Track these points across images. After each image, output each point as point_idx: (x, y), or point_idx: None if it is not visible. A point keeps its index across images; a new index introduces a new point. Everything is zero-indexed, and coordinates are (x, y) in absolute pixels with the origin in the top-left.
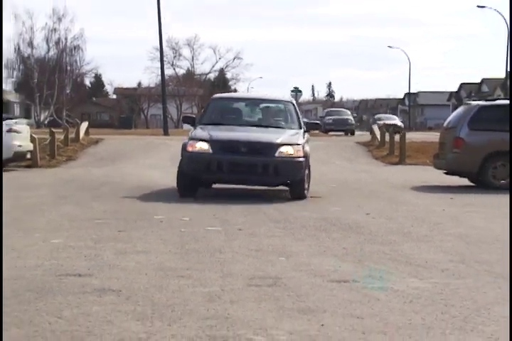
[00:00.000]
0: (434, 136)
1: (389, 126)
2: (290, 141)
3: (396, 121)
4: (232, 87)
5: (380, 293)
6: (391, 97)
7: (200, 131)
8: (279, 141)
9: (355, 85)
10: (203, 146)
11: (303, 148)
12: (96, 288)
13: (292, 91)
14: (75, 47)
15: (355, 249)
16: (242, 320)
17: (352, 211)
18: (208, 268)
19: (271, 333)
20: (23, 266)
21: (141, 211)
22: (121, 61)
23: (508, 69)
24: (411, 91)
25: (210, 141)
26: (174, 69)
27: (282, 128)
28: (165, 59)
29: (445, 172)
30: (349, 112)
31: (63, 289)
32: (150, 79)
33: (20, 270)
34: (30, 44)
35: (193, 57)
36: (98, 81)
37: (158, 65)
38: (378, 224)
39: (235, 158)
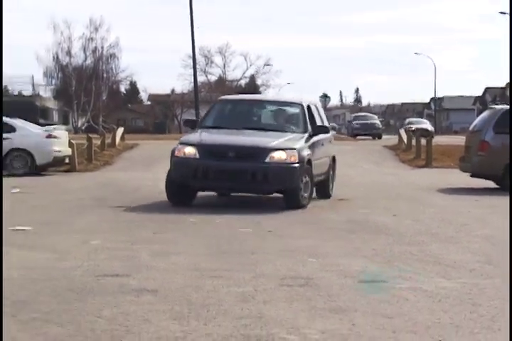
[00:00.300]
0: (459, 140)
1: (421, 131)
2: (285, 145)
3: (426, 125)
4: (263, 93)
5: (409, 293)
6: (417, 102)
7: (191, 135)
8: (270, 145)
9: (382, 90)
10: (191, 151)
11: (299, 153)
12: (133, 288)
13: (321, 96)
14: (110, 56)
15: (384, 249)
16: (275, 319)
17: (380, 213)
18: (241, 268)
19: (303, 332)
20: (63, 267)
21: (176, 213)
22: (155, 68)
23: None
24: (437, 95)
25: (197, 146)
26: (206, 76)
27: (284, 131)
28: (197, 66)
29: (470, 175)
30: (376, 117)
31: (102, 289)
32: (183, 85)
33: (60, 270)
34: (69, 53)
35: (224, 64)
36: (133, 88)
37: (191, 72)
38: (406, 225)
39: (222, 163)
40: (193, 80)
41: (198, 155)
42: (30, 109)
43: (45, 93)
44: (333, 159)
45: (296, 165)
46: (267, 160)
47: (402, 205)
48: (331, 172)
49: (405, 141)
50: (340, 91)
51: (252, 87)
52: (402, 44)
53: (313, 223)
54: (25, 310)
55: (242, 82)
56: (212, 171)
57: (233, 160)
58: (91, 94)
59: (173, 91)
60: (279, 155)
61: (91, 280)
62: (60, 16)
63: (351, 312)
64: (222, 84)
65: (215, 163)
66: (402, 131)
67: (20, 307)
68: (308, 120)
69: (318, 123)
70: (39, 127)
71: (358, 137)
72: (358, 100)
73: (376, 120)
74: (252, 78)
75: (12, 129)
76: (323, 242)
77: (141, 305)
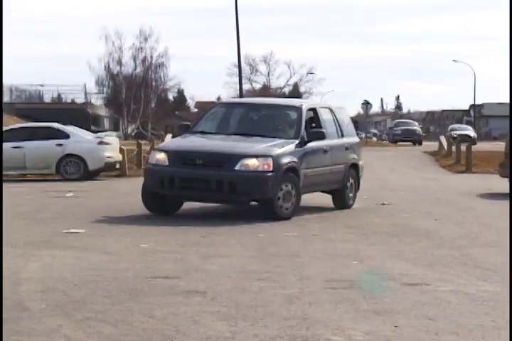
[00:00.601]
0: (498, 146)
1: (463, 137)
2: (259, 152)
3: (469, 131)
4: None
5: (451, 296)
6: (456, 109)
7: (170, 141)
8: (241, 152)
9: (422, 97)
10: (161, 158)
11: (275, 161)
12: (183, 289)
13: (363, 103)
14: (159, 65)
15: (426, 253)
16: (320, 320)
17: (421, 217)
18: (287, 271)
19: (348, 333)
20: (115, 269)
21: (222, 217)
22: (202, 77)
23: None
24: (476, 102)
25: (167, 152)
26: (251, 83)
27: (272, 137)
28: (243, 74)
29: (510, 181)
30: (417, 123)
31: (153, 290)
32: (228, 93)
33: (113, 272)
34: (119, 62)
35: (268, 73)
36: (181, 96)
37: (237, 80)
38: (447, 229)
39: (188, 171)
40: (238, 88)
41: (167, 162)
42: (83, 116)
43: (97, 101)
44: (355, 167)
45: (270, 173)
46: (237, 168)
47: (442, 209)
48: (351, 181)
49: (445, 146)
50: (382, 99)
51: (296, 94)
52: (442, 52)
53: (356, 227)
54: (80, 309)
55: (286, 90)
56: (178, 179)
57: (200, 168)
58: (140, 102)
59: (218, 98)
60: (251, 163)
61: (142, 282)
62: (111, 27)
63: (394, 314)
64: (267, 92)
65: (181, 170)
66: (442, 137)
67: (76, 307)
68: (303, 125)
69: (329, 128)
70: (91, 134)
71: (399, 143)
72: (398, 107)
73: (417, 126)
74: (296, 86)
75: (66, 136)
76: (366, 246)
77: (191, 306)
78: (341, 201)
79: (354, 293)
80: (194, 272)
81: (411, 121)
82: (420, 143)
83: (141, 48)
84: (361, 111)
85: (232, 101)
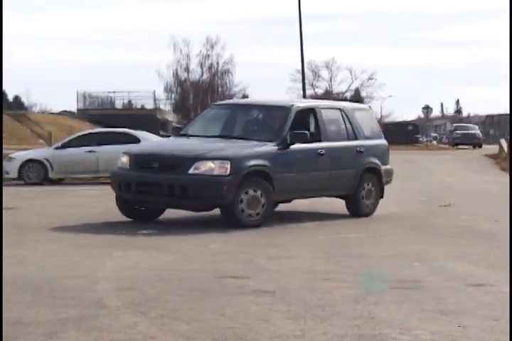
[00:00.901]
0: None
1: None
2: (217, 154)
3: None
4: (367, 105)
5: None
6: None
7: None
8: (198, 154)
9: (481, 102)
10: (125, 161)
11: (235, 164)
12: (252, 289)
13: (423, 108)
14: (225, 71)
15: (488, 254)
16: (386, 320)
17: (482, 219)
18: (352, 271)
19: (415, 333)
20: (187, 268)
21: (288, 218)
22: (266, 83)
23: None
24: None
25: (130, 156)
26: (314, 89)
27: (249, 139)
28: (305, 80)
29: None
30: (476, 127)
31: (224, 290)
32: (292, 98)
33: (184, 272)
34: (187, 69)
35: (330, 78)
36: None
37: (299, 85)
38: (508, 231)
39: (143, 175)
40: (301, 93)
41: (128, 166)
42: (152, 121)
43: (165, 106)
44: (374, 171)
45: (227, 177)
46: (191, 171)
47: (503, 212)
48: (367, 187)
49: (506, 149)
50: (442, 103)
51: (357, 99)
52: (502, 56)
53: (417, 228)
54: (155, 307)
55: (348, 95)
56: (134, 183)
57: (155, 172)
58: (207, 107)
59: None
60: (206, 166)
61: (213, 281)
62: (179, 36)
63: (460, 314)
64: (329, 97)
65: (137, 174)
66: (502, 140)
67: (150, 305)
68: (287, 126)
69: (332, 130)
70: (160, 138)
71: (459, 146)
72: (458, 111)
73: (477, 130)
74: (357, 91)
75: (137, 140)
76: (428, 247)
77: (261, 305)
78: (355, 208)
79: (419, 293)
80: (263, 272)
81: (471, 124)
82: (480, 146)
83: (208, 55)
84: (422, 115)
85: (226, 103)
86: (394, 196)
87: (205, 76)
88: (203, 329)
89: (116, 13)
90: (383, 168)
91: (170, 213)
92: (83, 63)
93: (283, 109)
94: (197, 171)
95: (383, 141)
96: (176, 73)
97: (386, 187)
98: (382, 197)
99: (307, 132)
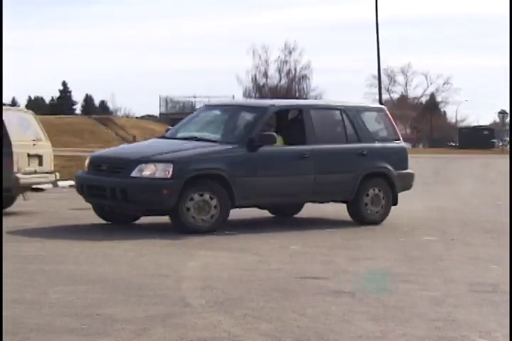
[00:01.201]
0: None
1: None
2: (161, 157)
3: None
4: (442, 110)
5: None
6: None
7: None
8: (142, 157)
9: None
10: (86, 164)
11: (178, 167)
12: (332, 290)
13: (499, 113)
14: (302, 77)
15: None
16: (466, 322)
17: None
18: (431, 274)
19: (494, 335)
20: (268, 269)
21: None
22: (342, 88)
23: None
24: None
25: (89, 158)
26: (389, 94)
27: (212, 141)
28: (381, 85)
29: None
30: None
31: (303, 290)
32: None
33: (265, 272)
34: (265, 74)
35: (406, 83)
36: None
37: (375, 90)
38: None
39: (92, 178)
40: (376, 98)
41: (87, 168)
42: None
43: None
44: (384, 176)
45: (168, 180)
46: (133, 174)
47: None
48: (373, 193)
49: None
50: None
51: (432, 103)
52: None
53: (496, 231)
54: (238, 306)
55: (423, 99)
56: (85, 186)
57: (103, 175)
58: None
59: None
60: (148, 169)
61: (293, 282)
62: (258, 42)
63: None
64: (404, 102)
65: (88, 176)
66: None
67: (233, 304)
68: (256, 128)
69: (318, 132)
70: None
71: None
72: None
73: None
74: (432, 96)
75: None
76: (504, 250)
77: (340, 306)
78: (357, 215)
79: (498, 296)
80: (342, 273)
81: None
82: None
83: (286, 61)
84: (497, 120)
85: (213, 104)
86: (470, 199)
87: (282, 81)
88: (285, 328)
89: (197, 21)
90: (397, 172)
91: (247, 214)
92: (165, 69)
93: (258, 110)
94: (139, 174)
95: (399, 144)
96: (255, 78)
97: (464, 191)
98: (395, 204)
99: (274, 134)
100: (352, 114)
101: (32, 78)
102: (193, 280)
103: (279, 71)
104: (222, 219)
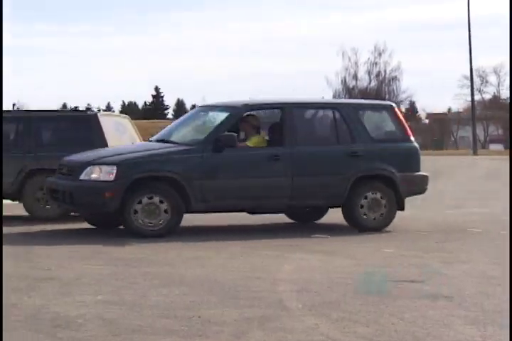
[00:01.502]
0: None
1: None
2: (107, 160)
3: None
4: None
5: None
6: None
7: None
8: (91, 160)
9: None
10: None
11: (123, 169)
12: (429, 293)
13: None
14: (392, 79)
15: None
16: None
17: None
18: None
19: None
20: (362, 272)
21: (456, 223)
22: (433, 89)
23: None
24: None
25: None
26: (481, 94)
27: (180, 144)
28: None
29: None
30: None
31: (400, 293)
32: (459, 104)
33: (360, 275)
34: (355, 76)
35: (498, 83)
36: (412, 107)
37: (466, 91)
38: None
39: (51, 181)
40: (469, 99)
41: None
42: None
43: None
44: (385, 179)
45: (111, 183)
46: (81, 177)
47: None
48: (370, 197)
49: None
50: None
51: None
52: None
53: None
54: (335, 310)
55: None
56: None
57: (61, 178)
58: None
59: (449, 109)
60: (94, 172)
61: (390, 285)
62: (348, 44)
63: None
64: (497, 103)
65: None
66: None
67: (330, 307)
68: (221, 129)
69: (301, 132)
70: None
71: None
72: None
73: None
74: None
75: None
76: None
77: (438, 310)
78: (351, 220)
79: None
80: (437, 276)
81: None
82: None
83: (376, 63)
84: None
85: (203, 105)
86: None
87: (372, 83)
88: (383, 332)
89: (288, 24)
90: (403, 175)
91: (334, 217)
92: (256, 72)
93: (230, 110)
94: (87, 177)
95: (407, 145)
96: (345, 80)
97: None
98: (401, 209)
99: (234, 134)
100: (347, 112)
101: (126, 83)
102: (288, 283)
103: (369, 73)
104: (175, 223)
